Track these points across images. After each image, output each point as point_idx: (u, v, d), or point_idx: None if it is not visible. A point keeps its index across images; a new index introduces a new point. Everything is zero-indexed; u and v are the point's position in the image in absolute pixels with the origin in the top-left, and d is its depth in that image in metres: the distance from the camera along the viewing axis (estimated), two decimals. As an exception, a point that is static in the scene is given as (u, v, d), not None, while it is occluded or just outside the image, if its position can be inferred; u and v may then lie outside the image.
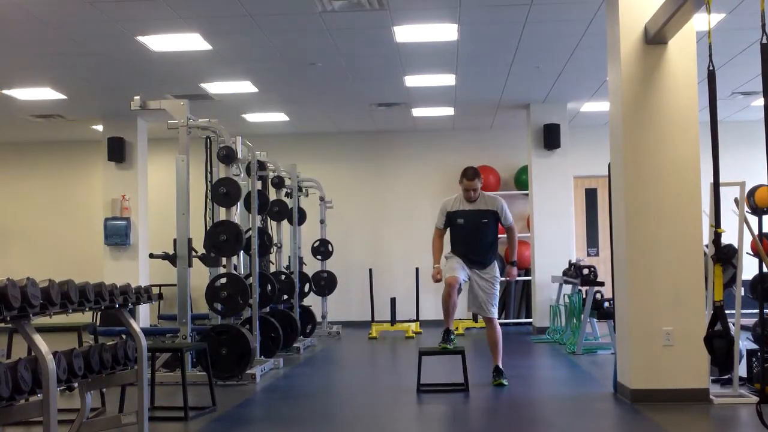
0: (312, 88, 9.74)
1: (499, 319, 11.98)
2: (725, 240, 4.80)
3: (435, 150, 12.82)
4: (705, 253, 5.74)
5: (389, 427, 5.48)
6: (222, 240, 7.07)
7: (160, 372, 6.80)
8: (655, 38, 5.64)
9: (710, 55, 4.43)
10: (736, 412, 5.34)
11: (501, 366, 6.68)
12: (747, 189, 6.05)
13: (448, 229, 6.78)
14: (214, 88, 9.47)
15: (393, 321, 11.14)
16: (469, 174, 6.60)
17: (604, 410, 5.71)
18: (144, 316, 11.03)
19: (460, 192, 6.70)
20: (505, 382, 6.56)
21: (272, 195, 9.84)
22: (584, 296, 8.82)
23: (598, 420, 5.51)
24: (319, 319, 10.87)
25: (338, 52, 8.04)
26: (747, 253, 6.12)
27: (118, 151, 11.21)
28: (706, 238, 5.71)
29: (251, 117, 11.37)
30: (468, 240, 6.64)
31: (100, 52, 7.96)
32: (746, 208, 6.04)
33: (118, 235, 11.26)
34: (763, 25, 3.72)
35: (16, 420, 3.47)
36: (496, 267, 6.72)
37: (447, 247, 6.86)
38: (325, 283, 11.23)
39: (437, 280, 6.60)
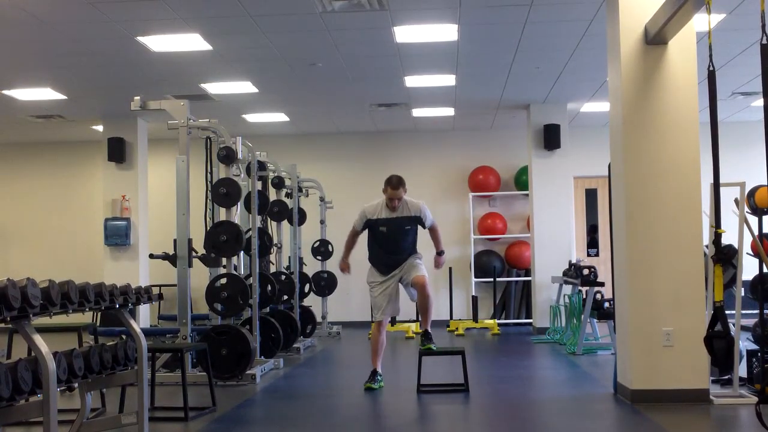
0: (312, 88, 9.74)
1: (498, 319, 12.10)
2: (725, 240, 4.79)
3: (435, 150, 12.82)
4: (705, 254, 5.74)
5: (389, 428, 5.48)
6: (222, 240, 7.08)
7: (160, 372, 6.80)
8: (655, 39, 5.64)
9: (710, 56, 4.43)
10: (737, 412, 5.34)
11: (429, 330, 6.68)
12: (747, 189, 6.05)
13: (365, 232, 6.84)
14: (214, 88, 9.47)
15: (393, 321, 11.13)
16: (394, 182, 6.59)
17: (604, 411, 5.71)
18: (144, 316, 11.03)
19: (383, 199, 6.67)
20: (433, 346, 6.55)
21: (272, 195, 9.85)
22: (584, 296, 8.81)
23: (598, 420, 5.51)
24: (319, 319, 10.87)
25: (338, 52, 8.05)
26: (747, 253, 6.12)
27: (118, 151, 11.21)
28: (706, 238, 5.72)
29: (251, 117, 11.37)
30: (389, 246, 6.68)
31: (100, 53, 7.96)
32: (746, 209, 6.04)
33: (118, 235, 11.26)
34: (763, 26, 3.72)
35: (16, 420, 3.46)
36: (418, 252, 6.75)
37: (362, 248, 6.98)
38: (325, 284, 11.23)
39: (343, 271, 7.00)
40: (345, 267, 7.00)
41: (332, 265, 11.42)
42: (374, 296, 6.74)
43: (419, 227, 6.76)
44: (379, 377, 6.69)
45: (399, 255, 6.68)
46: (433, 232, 6.90)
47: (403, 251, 6.68)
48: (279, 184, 10.02)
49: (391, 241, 6.67)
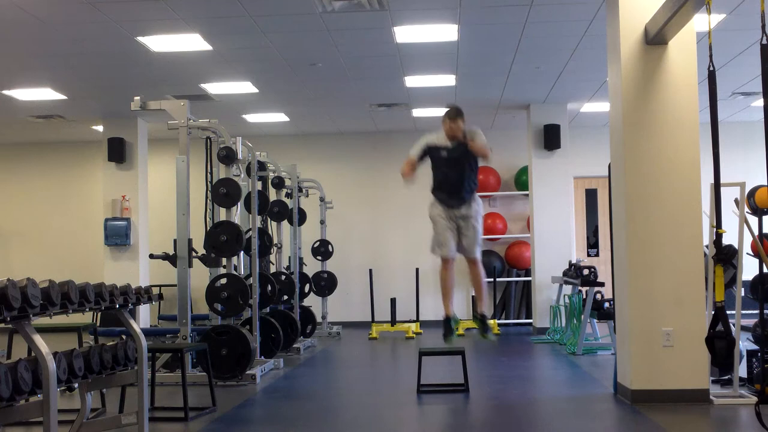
0: (312, 88, 9.74)
1: (499, 319, 12.10)
2: (725, 240, 4.79)
3: (435, 150, 12.79)
4: (705, 254, 5.74)
5: (389, 428, 5.48)
6: (222, 240, 7.08)
7: (160, 372, 6.80)
8: (656, 39, 5.64)
9: (710, 56, 4.43)
10: (737, 412, 5.34)
11: (487, 314, 6.25)
12: (747, 189, 6.05)
13: (428, 167, 6.24)
14: (214, 88, 9.47)
15: (393, 321, 11.14)
16: (451, 113, 6.08)
17: (604, 411, 5.71)
18: (144, 316, 11.03)
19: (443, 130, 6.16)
20: (492, 336, 6.21)
21: (272, 195, 9.85)
22: (584, 297, 8.81)
23: (598, 421, 5.51)
24: (319, 319, 10.87)
25: (338, 52, 8.04)
26: (747, 253, 6.12)
27: (118, 151, 11.21)
28: (707, 238, 5.72)
29: (251, 117, 11.37)
30: (450, 173, 6.15)
31: (101, 53, 7.96)
32: (746, 209, 6.03)
33: (118, 235, 11.26)
34: (763, 26, 3.73)
35: (16, 420, 3.46)
36: (478, 201, 6.24)
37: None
38: (325, 284, 11.23)
39: (404, 175, 6.10)
40: (409, 170, 6.07)
41: (332, 265, 11.45)
42: (438, 231, 6.14)
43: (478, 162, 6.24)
44: (453, 323, 6.15)
45: (460, 191, 6.10)
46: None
47: (463, 185, 6.11)
48: (279, 184, 10.02)
49: (453, 167, 6.12)
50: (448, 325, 6.12)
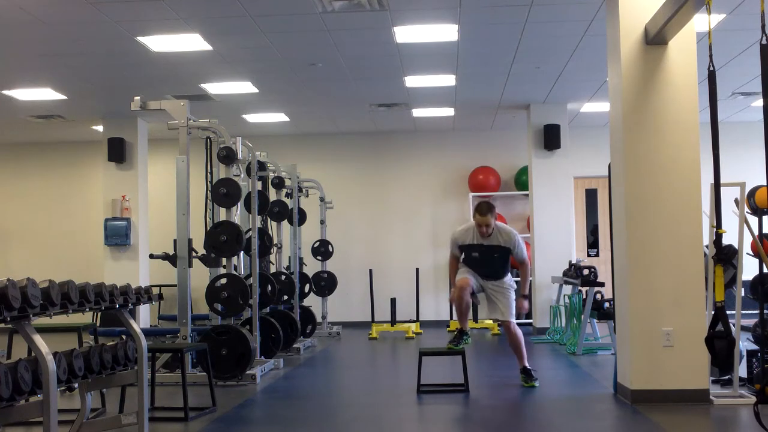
0: (312, 88, 9.74)
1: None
2: (725, 240, 4.79)
3: (435, 151, 12.83)
4: (705, 254, 5.74)
5: (389, 428, 5.47)
6: (222, 240, 7.07)
7: (160, 372, 6.80)
8: (656, 39, 5.64)
9: (710, 56, 4.43)
10: (737, 412, 5.34)
11: (528, 366, 6.66)
12: (747, 189, 6.05)
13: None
14: (214, 88, 9.47)
15: (393, 321, 11.14)
16: (483, 209, 6.50)
17: (604, 411, 5.71)
18: (144, 316, 11.03)
19: (473, 223, 6.64)
20: (536, 383, 6.53)
21: (272, 195, 9.85)
22: (584, 297, 8.81)
23: (598, 421, 5.51)
24: (319, 319, 10.87)
25: (338, 52, 8.05)
26: (747, 253, 6.12)
27: (118, 151, 11.21)
28: (707, 238, 5.71)
29: (251, 117, 11.37)
30: (481, 267, 6.66)
31: (101, 53, 7.96)
32: (746, 209, 6.03)
33: (118, 235, 11.26)
34: (763, 26, 3.72)
35: (16, 420, 3.46)
36: (509, 276, 6.76)
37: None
38: (325, 284, 11.23)
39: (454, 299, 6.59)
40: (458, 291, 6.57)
41: (332, 265, 11.45)
42: (461, 270, 6.61)
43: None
44: (465, 337, 6.49)
45: (491, 274, 6.66)
46: (523, 266, 6.83)
47: (494, 272, 6.66)
48: (279, 184, 10.02)
49: (484, 264, 6.64)
50: (460, 337, 6.53)
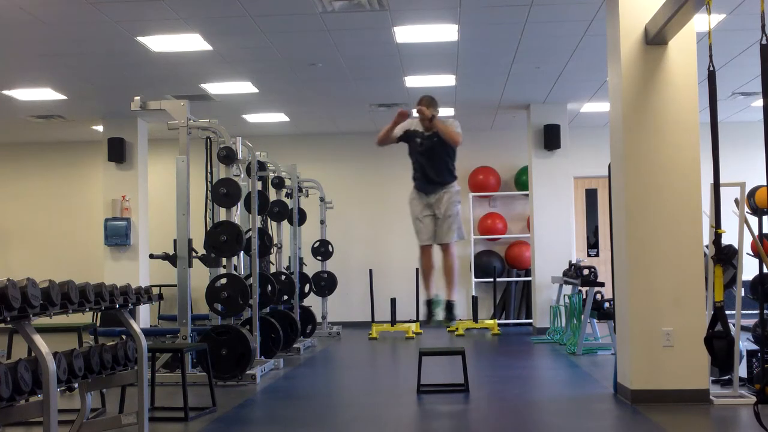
0: (312, 88, 9.74)
1: (499, 319, 12.10)
2: (725, 240, 4.79)
3: (435, 150, 12.80)
4: (705, 254, 5.74)
5: (389, 428, 5.47)
6: (222, 240, 7.07)
7: (160, 372, 6.80)
8: (656, 39, 5.64)
9: (710, 56, 4.43)
10: (736, 412, 5.34)
11: (454, 301, 6.32)
12: (747, 189, 6.05)
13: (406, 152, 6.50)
14: (214, 88, 9.47)
15: (393, 321, 11.14)
16: (424, 101, 6.29)
17: (604, 411, 5.71)
18: (144, 316, 11.03)
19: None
20: (453, 323, 6.29)
21: (272, 195, 9.85)
22: (584, 297, 8.81)
23: (598, 421, 5.51)
24: (319, 319, 10.87)
25: (338, 52, 8.05)
26: (747, 253, 6.13)
27: (118, 151, 11.21)
28: (707, 238, 5.71)
29: (251, 117, 11.37)
30: (425, 160, 6.37)
31: (101, 53, 7.96)
32: (746, 209, 6.04)
33: (118, 235, 11.26)
34: (763, 26, 3.72)
35: (16, 420, 3.46)
36: (455, 188, 6.41)
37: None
38: (325, 284, 11.23)
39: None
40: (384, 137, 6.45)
41: (332, 265, 11.45)
42: (414, 218, 6.37)
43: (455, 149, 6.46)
44: (435, 305, 6.27)
45: (437, 175, 6.34)
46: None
47: (440, 169, 6.36)
48: (279, 184, 10.02)
49: (428, 155, 6.36)
50: (430, 307, 6.28)
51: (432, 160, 6.41)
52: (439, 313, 6.29)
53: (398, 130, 6.51)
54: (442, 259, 6.39)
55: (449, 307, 6.31)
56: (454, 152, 6.50)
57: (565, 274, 9.96)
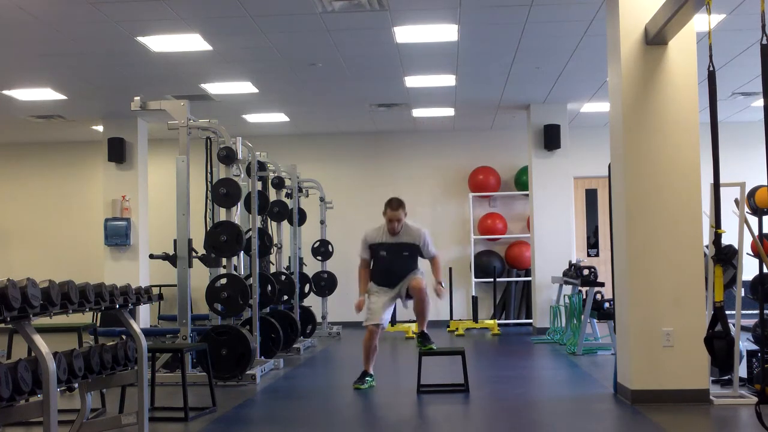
0: (312, 88, 9.74)
1: (499, 319, 12.10)
2: (725, 240, 4.79)
3: (435, 151, 12.83)
4: (705, 254, 5.74)
5: (389, 428, 5.48)
6: (222, 240, 7.07)
7: (160, 372, 6.80)
8: (656, 39, 5.64)
9: (710, 56, 4.43)
10: (737, 412, 5.34)
11: (426, 331, 6.61)
12: (747, 189, 6.05)
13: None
14: (214, 88, 9.47)
15: (393, 321, 11.14)
16: (394, 204, 6.65)
17: (604, 411, 5.71)
18: (144, 316, 11.03)
19: (384, 223, 6.69)
20: (434, 346, 6.55)
21: (272, 195, 9.85)
22: (584, 297, 8.81)
23: (598, 421, 5.51)
24: (319, 319, 10.87)
25: (338, 52, 8.04)
26: (747, 253, 6.12)
27: (118, 151, 11.21)
28: (707, 238, 5.71)
29: (251, 117, 11.38)
30: (389, 270, 6.66)
31: (101, 53, 7.96)
32: (746, 209, 6.03)
33: (118, 235, 11.27)
34: (763, 26, 3.73)
35: (16, 420, 3.46)
36: (419, 269, 6.71)
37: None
38: (325, 284, 11.23)
39: (359, 310, 6.69)
40: (361, 304, 6.70)
41: (332, 265, 11.45)
42: (371, 302, 6.67)
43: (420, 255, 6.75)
44: (368, 378, 6.68)
45: (399, 277, 6.66)
46: (433, 262, 6.80)
47: (402, 275, 6.66)
48: (279, 184, 10.02)
49: (392, 264, 6.66)
50: (363, 378, 6.67)
51: (397, 266, 6.68)
52: (371, 382, 6.69)
53: (363, 253, 6.78)
54: (415, 300, 6.62)
55: (424, 336, 6.61)
56: (418, 256, 6.76)
57: (565, 274, 9.96)
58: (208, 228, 7.50)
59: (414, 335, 10.73)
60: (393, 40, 7.63)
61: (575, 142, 11.63)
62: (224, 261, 7.46)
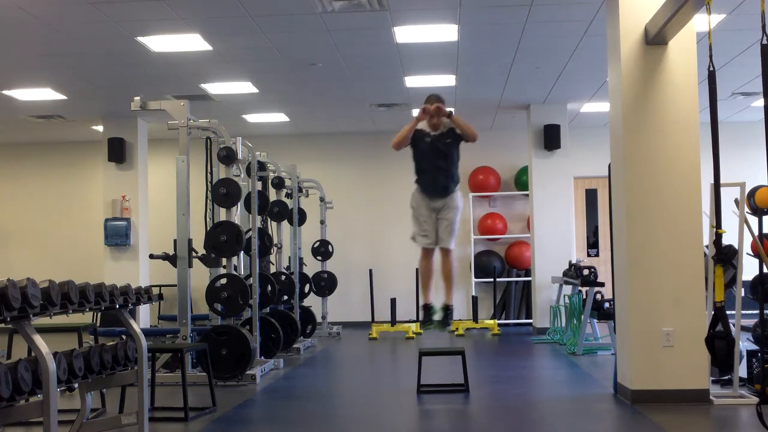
0: (312, 88, 9.74)
1: (499, 319, 12.10)
2: (725, 240, 4.79)
3: (435, 150, 12.80)
4: (705, 254, 5.74)
5: (389, 428, 5.48)
6: (222, 240, 7.07)
7: (160, 372, 6.80)
8: (656, 39, 5.64)
9: (710, 56, 4.43)
10: (737, 412, 5.34)
11: (451, 305, 6.20)
12: (747, 189, 6.05)
13: (411, 155, 6.26)
14: (214, 88, 9.47)
15: (393, 322, 11.14)
16: (432, 99, 6.12)
17: (604, 411, 5.71)
18: (144, 316, 11.03)
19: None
20: (448, 329, 6.20)
21: (272, 195, 9.85)
22: (584, 297, 8.81)
23: (598, 421, 5.51)
24: (319, 319, 10.87)
25: (338, 52, 8.04)
26: (747, 253, 6.12)
27: (118, 151, 11.21)
28: (707, 238, 5.72)
29: (251, 117, 11.38)
30: (432, 162, 6.17)
31: (101, 53, 7.96)
32: (746, 209, 6.03)
33: (118, 235, 11.26)
34: (764, 26, 3.73)
35: (16, 420, 3.46)
36: (458, 195, 6.27)
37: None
38: (325, 284, 11.23)
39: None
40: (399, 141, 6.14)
41: (332, 265, 11.45)
42: (418, 221, 6.22)
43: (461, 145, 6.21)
44: (432, 310, 6.15)
45: (442, 179, 6.17)
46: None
47: (445, 174, 6.18)
48: (279, 184, 10.02)
49: (435, 157, 6.16)
50: (427, 312, 6.15)
51: (440, 163, 6.20)
52: (437, 317, 6.14)
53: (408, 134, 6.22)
54: (442, 264, 6.28)
55: (447, 311, 6.19)
56: (458, 157, 6.40)
57: (565, 274, 9.96)
58: (208, 228, 7.50)
59: (414, 335, 10.76)
60: (393, 40, 7.63)
61: (575, 142, 11.63)
62: (224, 261, 7.46)
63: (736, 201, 5.88)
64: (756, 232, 5.99)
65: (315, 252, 11.29)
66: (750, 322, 7.23)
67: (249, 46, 7.78)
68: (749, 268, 6.30)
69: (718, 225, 4.74)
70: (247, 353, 6.88)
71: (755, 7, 4.01)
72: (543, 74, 9.29)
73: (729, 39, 7.52)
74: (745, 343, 6.60)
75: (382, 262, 12.62)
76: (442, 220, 6.21)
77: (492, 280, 12.09)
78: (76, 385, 4.06)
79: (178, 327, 6.89)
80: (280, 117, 11.45)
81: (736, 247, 5.83)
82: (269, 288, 8.35)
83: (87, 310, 3.82)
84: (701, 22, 5.35)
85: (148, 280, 11.50)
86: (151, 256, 7.56)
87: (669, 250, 5.65)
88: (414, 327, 11.03)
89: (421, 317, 6.24)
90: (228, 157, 7.44)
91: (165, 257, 7.09)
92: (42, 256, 12.87)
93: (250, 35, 7.38)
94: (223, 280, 7.12)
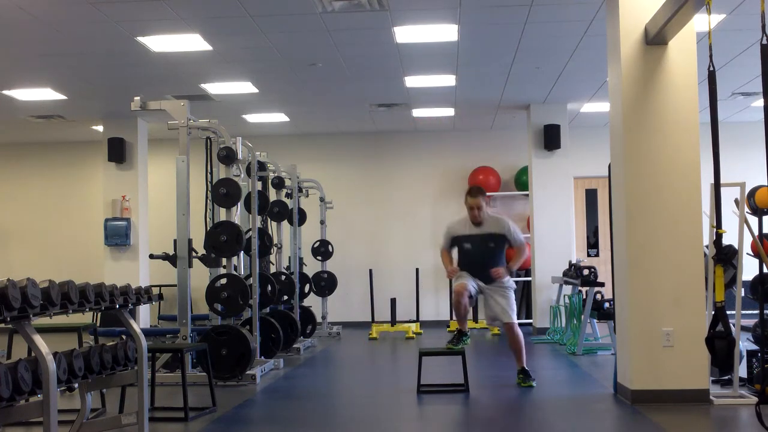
0: (312, 88, 9.74)
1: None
2: (725, 240, 4.79)
3: (435, 151, 12.83)
4: (705, 254, 5.74)
5: (389, 428, 5.47)
6: (222, 240, 7.07)
7: (160, 372, 6.80)
8: (656, 39, 5.64)
9: (710, 56, 4.43)
10: (737, 412, 5.34)
11: (527, 367, 6.62)
12: (747, 189, 6.05)
13: (455, 249, 6.75)
14: (214, 88, 9.47)
15: (393, 322, 11.14)
16: (474, 192, 6.55)
17: (604, 411, 5.71)
18: (144, 316, 11.03)
19: (466, 214, 6.66)
20: (533, 383, 6.50)
21: (272, 195, 9.84)
22: (584, 297, 8.81)
23: (598, 421, 5.51)
24: (319, 319, 10.87)
25: (338, 52, 8.05)
26: (747, 253, 6.12)
27: (118, 151, 11.21)
28: (707, 238, 5.71)
29: (251, 117, 11.38)
30: (476, 263, 6.56)
31: (101, 53, 7.96)
32: (746, 209, 6.03)
33: (118, 235, 11.27)
34: (764, 26, 3.73)
35: (16, 420, 3.46)
36: (508, 277, 6.64)
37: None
38: (325, 284, 11.23)
39: (452, 276, 6.60)
40: (452, 272, 6.58)
41: (332, 265, 11.45)
42: (459, 275, 6.53)
43: (506, 244, 6.64)
44: (464, 338, 6.50)
45: (487, 271, 6.51)
46: (519, 248, 6.68)
47: (491, 267, 6.53)
48: (279, 184, 10.02)
49: (479, 257, 6.54)
50: (459, 338, 6.53)
51: (484, 260, 6.55)
52: (466, 345, 6.56)
53: (445, 245, 6.75)
54: (508, 338, 6.68)
55: (525, 373, 6.57)
56: (504, 251, 6.64)
57: (565, 274, 9.96)
58: (208, 228, 7.50)
59: (414, 335, 10.76)
60: (393, 40, 7.63)
61: (575, 142, 11.63)
62: (224, 261, 7.46)
63: (736, 201, 5.88)
64: (756, 232, 5.99)
65: (315, 252, 11.29)
66: (750, 322, 7.23)
67: (249, 46, 7.78)
68: (749, 268, 6.30)
69: (719, 225, 4.74)
70: (247, 353, 6.88)
71: (755, 7, 4.01)
72: (543, 74, 9.29)
73: (729, 39, 7.52)
74: (745, 343, 6.60)
75: (382, 262, 12.62)
76: (493, 302, 6.60)
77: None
78: (76, 385, 4.06)
79: (178, 327, 6.89)
80: (280, 117, 11.45)
81: (736, 247, 5.83)
82: (269, 288, 8.35)
83: (87, 310, 3.81)
84: (701, 22, 5.35)
85: (148, 280, 11.50)
86: (151, 256, 7.56)
87: (669, 250, 5.65)
88: (414, 327, 11.03)
89: (452, 339, 6.57)
90: (228, 157, 7.44)
91: (165, 257, 7.09)
92: (42, 256, 12.88)
93: (250, 35, 7.38)
94: (223, 280, 7.12)
